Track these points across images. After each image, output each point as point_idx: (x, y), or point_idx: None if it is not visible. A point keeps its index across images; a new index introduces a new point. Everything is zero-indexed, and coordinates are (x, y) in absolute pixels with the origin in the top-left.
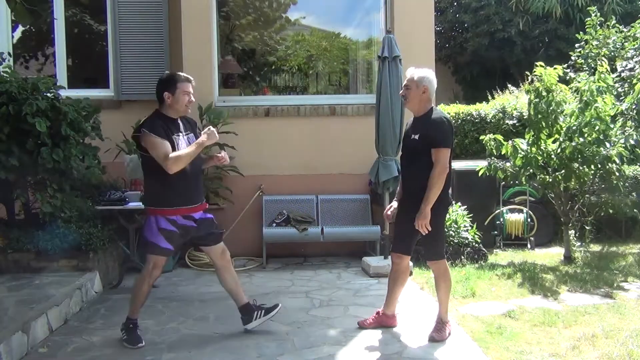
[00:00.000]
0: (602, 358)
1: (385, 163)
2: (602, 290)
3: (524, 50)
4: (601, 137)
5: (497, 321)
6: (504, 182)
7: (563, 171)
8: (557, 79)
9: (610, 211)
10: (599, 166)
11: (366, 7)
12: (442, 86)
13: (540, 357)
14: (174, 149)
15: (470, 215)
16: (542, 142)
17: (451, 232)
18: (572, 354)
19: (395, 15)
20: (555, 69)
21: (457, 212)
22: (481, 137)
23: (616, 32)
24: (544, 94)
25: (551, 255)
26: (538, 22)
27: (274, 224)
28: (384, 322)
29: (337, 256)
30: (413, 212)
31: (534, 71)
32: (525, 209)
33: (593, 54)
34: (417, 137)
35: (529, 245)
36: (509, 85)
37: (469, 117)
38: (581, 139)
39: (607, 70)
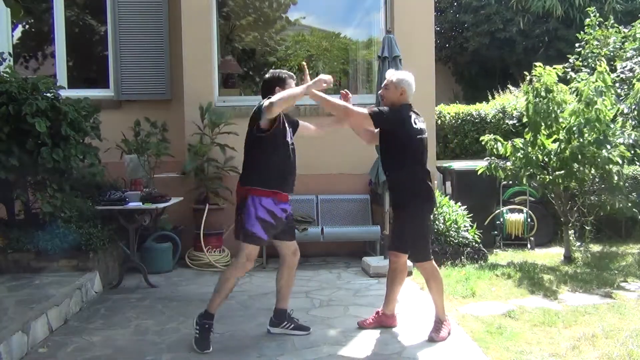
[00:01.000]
0: (602, 358)
1: None
2: (602, 290)
3: (524, 50)
4: (601, 137)
5: (497, 321)
6: (504, 182)
7: (563, 171)
8: (557, 79)
9: (610, 211)
10: (599, 167)
11: (366, 7)
12: (442, 86)
13: (540, 357)
14: (282, 135)
15: (470, 215)
16: (542, 142)
17: (451, 232)
18: (572, 354)
19: (395, 15)
20: (554, 68)
21: (457, 212)
22: (482, 138)
23: (615, 32)
24: (544, 94)
25: (551, 255)
26: (538, 22)
27: None
28: (384, 322)
29: (337, 256)
30: (403, 210)
31: (533, 71)
32: (525, 209)
33: (593, 54)
34: (385, 135)
35: (529, 245)
36: (509, 85)
37: (469, 117)
38: (581, 140)
39: (607, 70)
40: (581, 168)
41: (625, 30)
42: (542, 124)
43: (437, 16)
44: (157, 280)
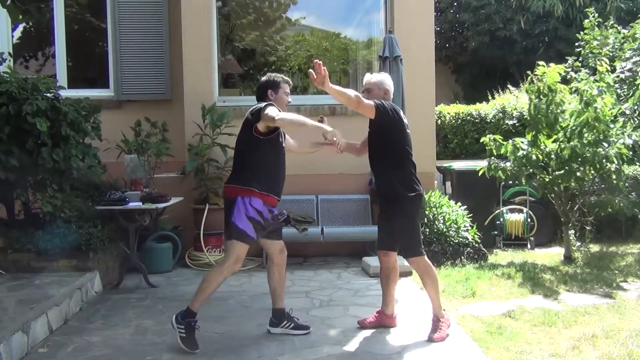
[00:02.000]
0: (602, 358)
1: None
2: (602, 290)
3: (524, 49)
4: (600, 137)
5: (497, 321)
6: (504, 182)
7: (563, 171)
8: (559, 79)
9: (610, 211)
10: (598, 166)
11: (366, 7)
12: (442, 86)
13: (540, 357)
14: (277, 141)
15: (470, 215)
16: (542, 142)
17: (451, 232)
18: (572, 354)
19: (395, 15)
20: (556, 67)
21: (457, 212)
22: (482, 139)
23: (615, 32)
24: (546, 92)
25: (551, 255)
26: (539, 22)
27: None
28: (384, 321)
29: (337, 256)
30: (389, 210)
31: (536, 71)
32: (525, 209)
33: (593, 54)
34: (372, 133)
35: (529, 245)
36: (509, 85)
37: (469, 117)
38: (580, 140)
39: (608, 70)
40: (581, 168)
41: (625, 31)
42: (543, 123)
43: (437, 16)
44: (157, 280)
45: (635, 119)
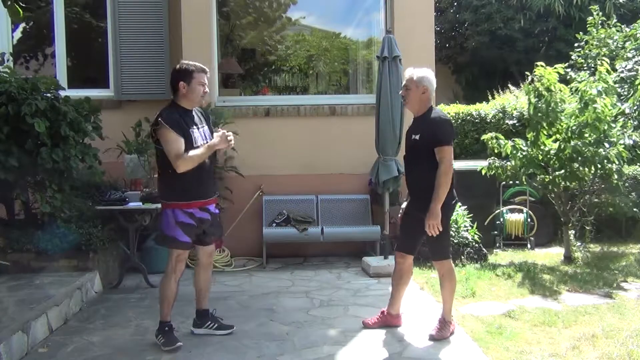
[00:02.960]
0: (602, 358)
1: (385, 163)
2: (602, 290)
3: (524, 49)
4: (601, 136)
5: (497, 321)
6: (504, 182)
7: (563, 171)
8: (557, 79)
9: (610, 211)
10: (599, 166)
11: (366, 7)
12: (442, 86)
13: (540, 357)
14: (190, 142)
15: (470, 215)
16: (542, 142)
17: (451, 232)
18: (572, 354)
19: (395, 15)
20: (555, 68)
21: (457, 212)
22: (483, 137)
23: (617, 31)
24: (544, 93)
25: (551, 255)
26: (539, 21)
27: (274, 224)
28: (389, 321)
29: (337, 256)
30: (418, 213)
31: (534, 71)
32: (525, 209)
33: (593, 54)
34: (417, 137)
35: (529, 245)
36: (509, 85)
37: (469, 117)
38: (580, 140)
39: (608, 70)
40: (581, 168)
41: (627, 30)
42: (543, 123)
43: (437, 16)
44: (157, 280)
45: (636, 119)
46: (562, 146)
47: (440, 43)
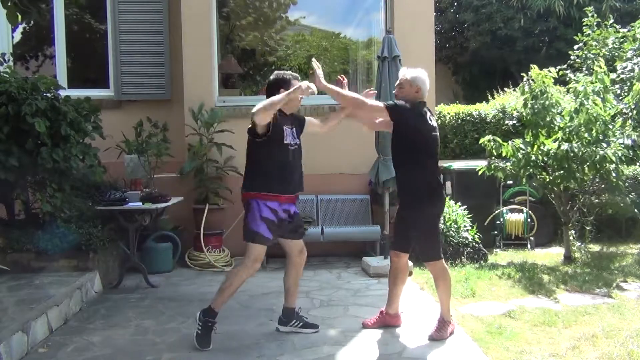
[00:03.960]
0: (602, 358)
1: (385, 163)
2: (602, 290)
3: (524, 49)
4: (600, 137)
5: (497, 321)
6: (503, 182)
7: (563, 171)
8: (553, 81)
9: (610, 211)
10: (597, 166)
11: (366, 7)
12: (442, 86)
13: (540, 357)
14: (280, 136)
15: (470, 215)
16: (542, 142)
17: (451, 232)
18: (572, 354)
19: (395, 15)
20: (549, 71)
21: (457, 212)
22: (481, 141)
23: (614, 32)
24: (539, 94)
25: (551, 255)
26: (539, 21)
27: None
28: (388, 321)
29: (337, 256)
30: (408, 211)
31: (530, 73)
32: (525, 209)
33: (592, 55)
34: (392, 135)
35: (529, 245)
36: (510, 85)
37: (469, 117)
38: (577, 141)
39: (605, 71)
40: (580, 168)
41: (624, 30)
42: (541, 123)
43: (437, 16)
44: (157, 280)
45: (634, 118)
46: (561, 146)
47: (440, 43)
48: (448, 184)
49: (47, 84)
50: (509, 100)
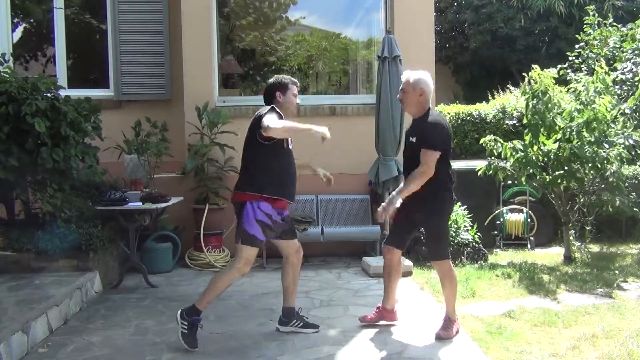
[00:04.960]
0: (602, 358)
1: (385, 163)
2: (602, 290)
3: (525, 49)
4: (601, 137)
5: (497, 321)
6: (503, 182)
7: (563, 171)
8: (554, 81)
9: (610, 211)
10: (598, 167)
11: (366, 7)
12: (442, 86)
13: (540, 357)
14: (282, 140)
15: (470, 215)
16: (542, 142)
17: (451, 232)
18: (572, 354)
19: (395, 15)
20: (549, 72)
21: (457, 212)
22: (482, 140)
23: (615, 31)
24: (540, 95)
25: (551, 255)
26: (539, 21)
27: None
28: (385, 317)
29: (337, 256)
30: (411, 211)
31: (531, 73)
32: (525, 209)
33: (593, 55)
34: (414, 139)
35: (529, 245)
36: (510, 85)
37: (469, 117)
38: (578, 141)
39: (606, 70)
40: (581, 168)
41: (625, 29)
42: (541, 123)
43: (437, 16)
44: (157, 280)
45: (636, 119)
46: (561, 146)
47: (440, 43)
48: None
49: (47, 84)
50: (509, 100)
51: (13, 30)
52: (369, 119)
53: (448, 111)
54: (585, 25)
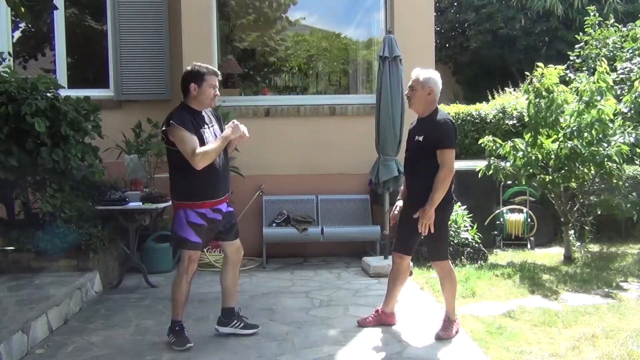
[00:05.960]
0: (602, 358)
1: (385, 163)
2: (602, 290)
3: (525, 49)
4: (600, 136)
5: (497, 321)
6: (503, 182)
7: (563, 171)
8: (558, 80)
9: (610, 210)
10: (600, 166)
11: (366, 7)
12: (442, 86)
13: (540, 357)
14: (202, 143)
15: (470, 215)
16: (542, 142)
17: (451, 232)
18: (572, 354)
19: (395, 15)
20: (555, 69)
21: (457, 212)
22: (480, 141)
23: (615, 31)
24: (544, 94)
25: (551, 255)
26: (539, 21)
27: (274, 224)
28: (384, 320)
29: (337, 256)
30: (413, 213)
31: (534, 72)
32: (525, 209)
33: (593, 55)
34: (421, 138)
35: (529, 245)
36: (509, 85)
37: (469, 117)
38: (580, 140)
39: (607, 70)
40: (581, 168)
41: (625, 29)
42: (543, 123)
43: (437, 16)
44: (157, 280)
45: (634, 118)
46: (562, 146)
47: (441, 43)
48: None
49: (47, 84)
50: (509, 100)
51: (13, 30)
52: (369, 119)
53: (448, 111)
54: (585, 26)
